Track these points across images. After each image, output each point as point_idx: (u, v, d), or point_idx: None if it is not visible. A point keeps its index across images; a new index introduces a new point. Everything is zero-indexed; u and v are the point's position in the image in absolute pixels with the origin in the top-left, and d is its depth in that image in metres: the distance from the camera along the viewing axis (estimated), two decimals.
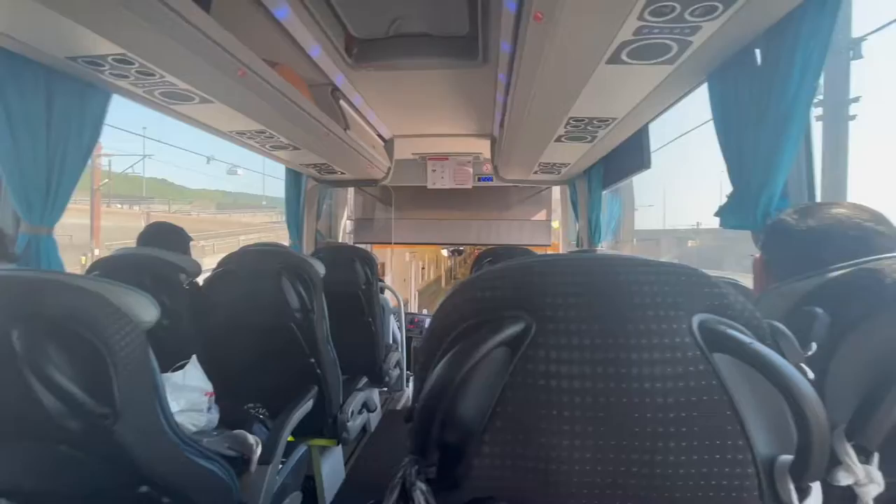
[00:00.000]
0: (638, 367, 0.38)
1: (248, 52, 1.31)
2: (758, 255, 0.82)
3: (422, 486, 0.42)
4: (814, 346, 0.47)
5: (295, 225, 2.95)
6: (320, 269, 1.56)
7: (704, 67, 1.22)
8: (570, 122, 1.65)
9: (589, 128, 1.71)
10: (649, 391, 0.38)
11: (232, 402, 1.49)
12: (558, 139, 1.90)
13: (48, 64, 1.22)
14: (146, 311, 0.73)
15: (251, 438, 1.24)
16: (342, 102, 2.28)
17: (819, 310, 0.51)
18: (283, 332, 1.49)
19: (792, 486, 0.38)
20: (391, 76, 2.11)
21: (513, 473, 0.40)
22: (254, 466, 1.13)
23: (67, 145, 1.35)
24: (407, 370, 3.14)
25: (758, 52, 1.12)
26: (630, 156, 2.11)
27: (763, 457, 0.38)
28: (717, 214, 1.24)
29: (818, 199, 1.14)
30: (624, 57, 1.10)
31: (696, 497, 0.38)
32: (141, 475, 0.73)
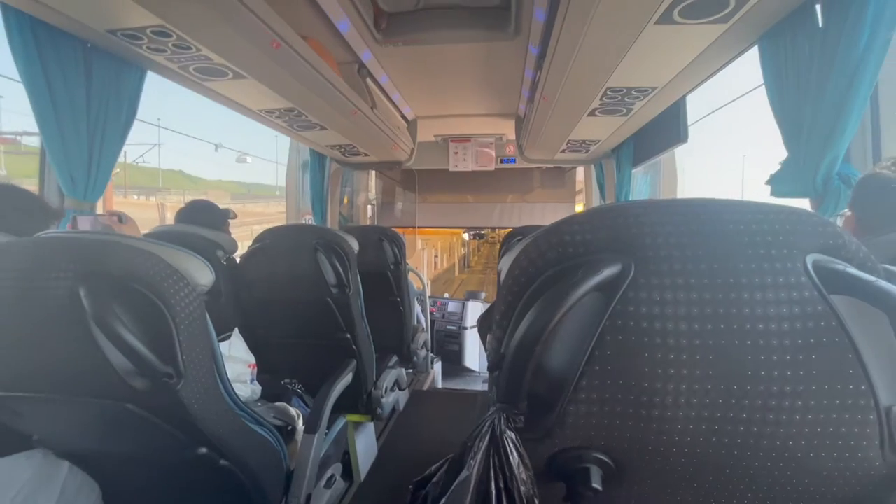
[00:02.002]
0: (750, 308, 0.36)
1: (283, 24, 1.30)
2: (847, 214, 0.77)
3: (511, 434, 0.41)
4: None
5: (319, 208, 2.96)
6: (354, 245, 1.56)
7: (758, 27, 1.15)
8: (608, 93, 1.60)
9: (626, 99, 1.66)
10: (763, 333, 0.35)
11: (269, 377, 1.52)
12: (591, 113, 1.85)
13: (88, 38, 1.23)
14: (202, 273, 0.73)
15: (292, 410, 1.26)
16: (368, 81, 2.25)
17: None
18: (319, 307, 1.50)
19: None
20: (419, 52, 2.07)
21: (611, 420, 0.39)
22: (300, 435, 1.14)
23: (107, 121, 1.36)
24: (431, 352, 3.16)
25: (818, 7, 1.05)
26: (665, 129, 2.04)
27: (884, 405, 0.36)
28: (768, 182, 1.19)
29: None
30: (675, 16, 1.05)
31: (811, 445, 0.36)
32: (201, 436, 0.74)
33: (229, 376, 1.15)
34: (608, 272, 0.38)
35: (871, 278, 0.35)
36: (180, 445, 0.74)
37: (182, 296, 0.67)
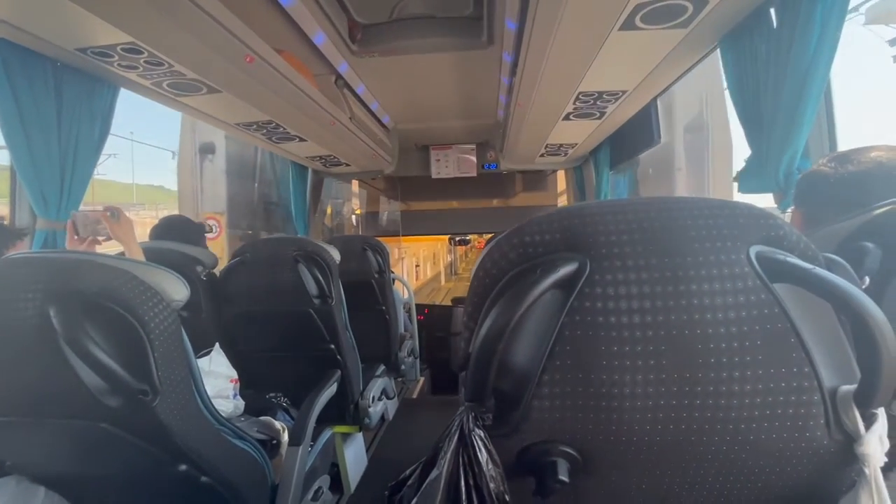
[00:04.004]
0: (699, 299, 0.38)
1: (256, 38, 1.30)
2: (792, 210, 0.81)
3: (480, 432, 0.42)
4: (867, 279, 0.46)
5: (302, 219, 2.95)
6: (336, 255, 1.56)
7: (718, 31, 1.20)
8: (580, 97, 1.64)
9: (598, 103, 1.70)
10: (712, 322, 0.37)
11: (254, 392, 1.50)
12: (566, 117, 1.89)
13: (57, 57, 1.22)
14: (176, 289, 0.73)
15: (277, 424, 1.25)
16: (346, 91, 2.27)
17: (869, 244, 0.50)
18: (302, 319, 1.50)
19: (858, 414, 0.38)
20: (395, 62, 2.09)
21: (573, 413, 0.40)
22: (284, 448, 1.13)
23: (79, 140, 1.34)
24: (419, 359, 3.15)
25: (772, 10, 1.10)
26: (638, 132, 2.09)
27: (827, 386, 0.38)
28: (735, 180, 1.23)
29: None
30: (638, 22, 1.09)
31: (761, 427, 0.38)
32: (180, 454, 0.74)
33: (211, 392, 1.14)
34: (565, 270, 0.39)
35: (810, 266, 0.37)
36: (160, 464, 0.73)
37: (156, 312, 0.67)
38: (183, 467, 0.74)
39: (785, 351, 0.37)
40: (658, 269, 0.38)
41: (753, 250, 0.39)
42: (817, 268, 0.38)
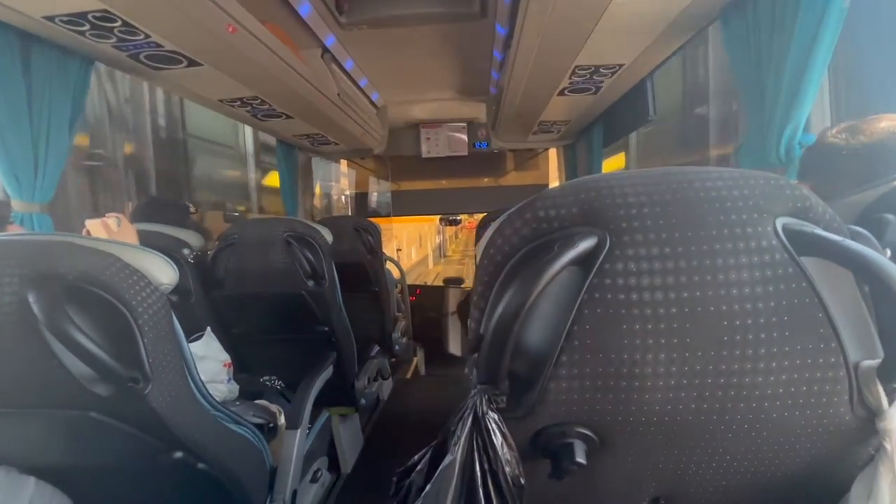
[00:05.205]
0: (724, 274, 0.36)
1: (239, 7, 1.23)
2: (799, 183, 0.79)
3: (494, 415, 0.40)
4: (888, 251, 0.45)
5: (291, 200, 2.88)
6: (327, 235, 1.52)
7: (719, 1, 1.17)
8: (576, 70, 1.59)
9: (595, 77, 1.66)
10: (738, 297, 0.36)
11: (248, 375, 1.48)
12: (561, 92, 1.84)
13: (24, 26, 1.14)
14: (164, 272, 0.70)
15: (273, 407, 1.24)
16: (334, 66, 2.18)
17: (890, 216, 0.49)
18: (295, 301, 1.47)
19: (881, 389, 0.37)
20: (384, 36, 2.01)
21: (591, 394, 0.38)
22: (282, 432, 1.12)
23: (52, 116, 1.27)
24: (413, 340, 3.16)
25: None
26: (632, 108, 2.06)
27: (853, 361, 0.37)
28: (734, 156, 1.21)
29: None
30: None
31: (785, 404, 0.37)
32: (175, 441, 0.71)
33: (205, 376, 1.12)
34: (584, 245, 0.37)
35: (840, 239, 0.36)
36: (154, 451, 0.71)
37: (144, 296, 0.64)
38: (178, 455, 0.72)
39: (812, 326, 0.36)
40: (681, 242, 0.36)
41: (780, 222, 0.37)
42: (846, 240, 0.36)
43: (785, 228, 0.37)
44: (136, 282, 0.63)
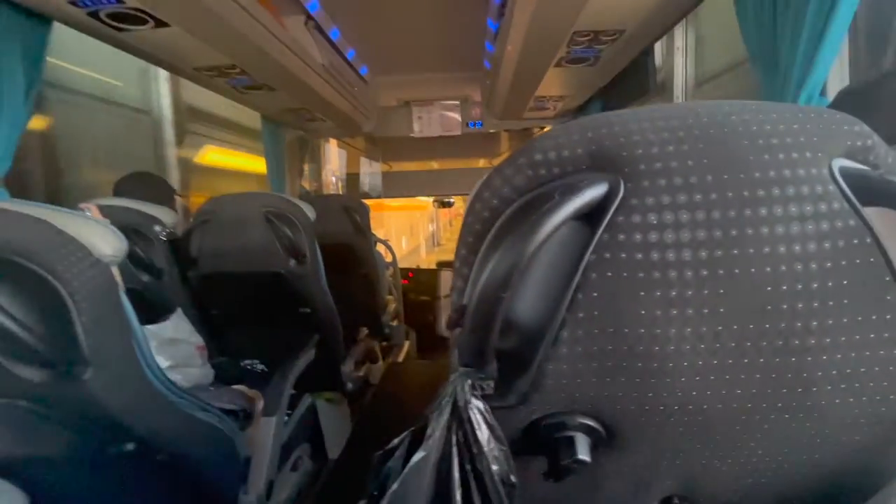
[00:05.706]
0: (769, 227, 0.28)
1: None
2: None
3: (478, 403, 0.33)
4: None
5: (278, 181, 2.77)
6: (309, 212, 1.44)
7: None
8: (574, 37, 1.49)
9: (594, 45, 1.56)
10: (785, 257, 0.28)
11: (228, 359, 1.41)
12: (558, 63, 1.75)
13: None
14: (105, 241, 0.61)
15: (251, 392, 1.17)
16: (318, 35, 2.06)
17: None
18: (275, 282, 1.39)
19: None
20: (372, 4, 1.90)
21: (599, 378, 0.31)
22: (258, 418, 1.05)
23: (3, 83, 1.16)
24: (405, 323, 3.10)
25: None
26: (632, 82, 1.97)
27: None
28: None
29: None
30: None
31: (837, 389, 0.30)
32: (125, 431, 0.64)
33: (176, 360, 1.04)
34: (591, 194, 0.29)
35: None
36: (101, 442, 0.63)
37: (81, 268, 0.55)
38: (130, 446, 0.65)
39: (877, 293, 0.29)
40: (716, 188, 0.29)
41: (837, 164, 0.29)
42: None
43: (843, 172, 0.29)
44: (72, 252, 0.55)
